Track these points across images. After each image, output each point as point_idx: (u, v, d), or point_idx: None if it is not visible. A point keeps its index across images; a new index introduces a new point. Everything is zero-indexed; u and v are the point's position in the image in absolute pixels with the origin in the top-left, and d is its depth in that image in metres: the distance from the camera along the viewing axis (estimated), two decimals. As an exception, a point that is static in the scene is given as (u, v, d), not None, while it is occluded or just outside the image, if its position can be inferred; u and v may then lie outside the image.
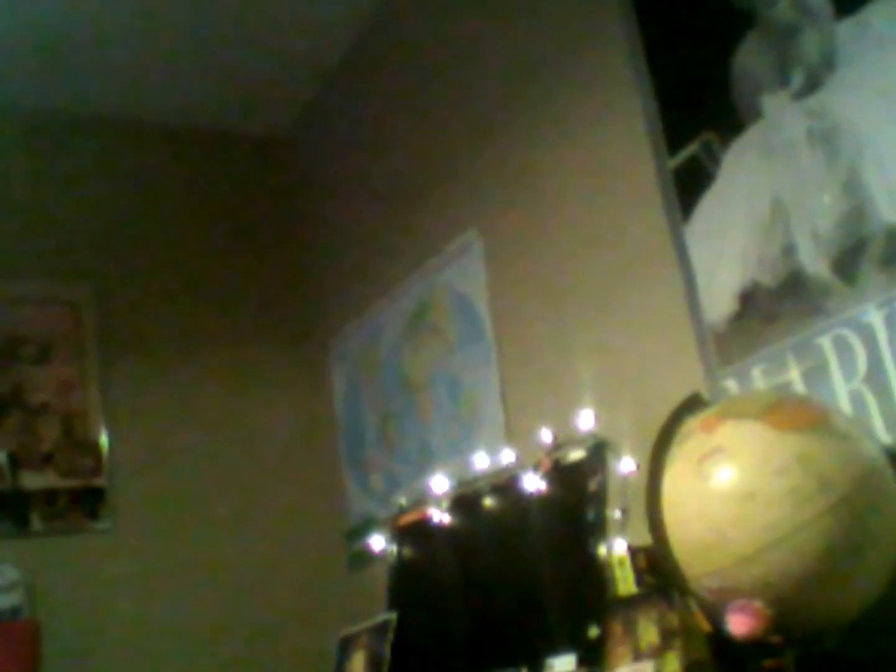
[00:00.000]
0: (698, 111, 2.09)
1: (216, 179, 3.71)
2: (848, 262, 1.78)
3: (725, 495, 1.43)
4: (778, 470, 1.40)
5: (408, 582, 2.27)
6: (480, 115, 2.82)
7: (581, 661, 1.71)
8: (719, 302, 2.03)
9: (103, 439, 3.23)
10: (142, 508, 3.21)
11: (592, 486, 1.83)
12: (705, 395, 1.77)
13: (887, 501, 1.44)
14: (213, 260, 3.61)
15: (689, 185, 2.11)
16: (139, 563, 3.15)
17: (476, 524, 2.14)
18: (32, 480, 3.10)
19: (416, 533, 2.29)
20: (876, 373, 1.73)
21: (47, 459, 3.14)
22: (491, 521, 2.12)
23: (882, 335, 1.73)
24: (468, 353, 2.82)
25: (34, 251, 3.33)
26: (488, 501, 2.12)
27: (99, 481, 3.18)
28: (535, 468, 1.97)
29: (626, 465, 1.78)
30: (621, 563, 1.71)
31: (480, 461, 2.18)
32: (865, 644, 1.45)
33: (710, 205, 2.07)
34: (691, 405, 1.64)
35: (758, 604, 1.40)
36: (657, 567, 1.61)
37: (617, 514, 1.76)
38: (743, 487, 1.42)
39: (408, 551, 2.30)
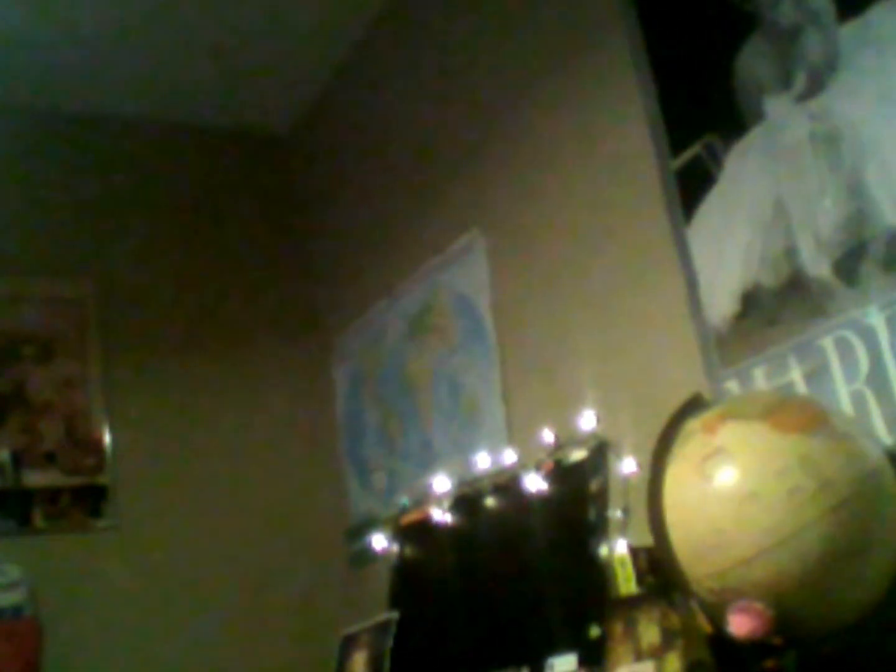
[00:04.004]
0: (701, 113, 2.10)
1: (219, 178, 3.72)
2: (850, 264, 1.79)
3: (727, 496, 1.44)
4: (779, 471, 1.41)
5: (409, 581, 2.28)
6: (483, 115, 2.83)
7: (582, 661, 1.71)
8: (721, 303, 2.04)
9: (106, 437, 3.24)
10: (144, 507, 3.21)
11: (594, 486, 1.84)
12: (707, 395, 1.77)
13: (888, 503, 1.44)
14: (215, 258, 3.61)
15: (691, 187, 2.11)
16: (141, 562, 3.15)
17: (477, 524, 2.14)
18: (35, 479, 3.10)
19: (417, 532, 2.29)
20: (877, 374, 1.74)
21: (50, 458, 3.14)
22: (492, 521, 2.12)
23: (884, 337, 1.73)
24: (470, 353, 2.82)
25: (36, 250, 3.33)
26: (490, 501, 2.12)
27: (101, 479, 3.19)
28: (537, 468, 1.98)
29: (627, 465, 1.79)
30: (622, 563, 1.71)
31: (482, 461, 2.18)
32: (867, 645, 1.45)
33: (712, 206, 2.07)
34: (693, 406, 1.64)
35: (759, 605, 1.40)
36: (658, 567, 1.61)
37: (618, 514, 1.76)
38: (744, 488, 1.42)
39: (409, 551, 2.30)
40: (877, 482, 1.44)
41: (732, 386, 1.99)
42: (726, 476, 1.45)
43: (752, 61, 1.98)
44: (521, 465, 2.04)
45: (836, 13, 1.82)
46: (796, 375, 1.87)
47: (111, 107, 3.51)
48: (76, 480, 3.16)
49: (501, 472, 2.12)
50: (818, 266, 1.85)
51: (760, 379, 1.94)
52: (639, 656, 1.51)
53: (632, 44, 2.27)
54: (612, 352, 2.34)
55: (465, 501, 2.18)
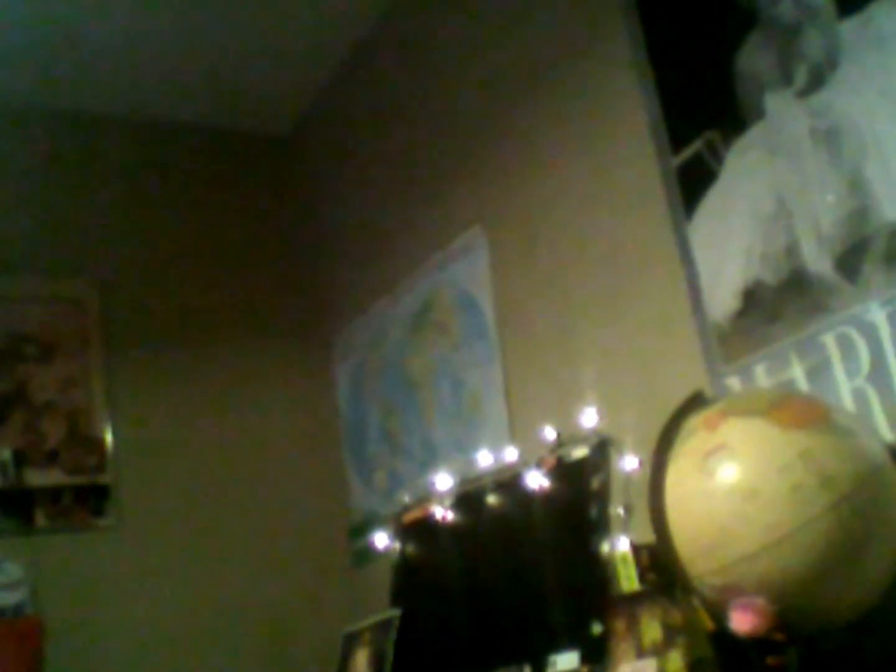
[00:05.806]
0: (701, 110, 2.10)
1: (220, 177, 3.71)
2: (851, 260, 1.79)
3: (728, 493, 1.44)
4: (781, 467, 1.41)
5: (411, 579, 2.28)
6: (484, 113, 2.82)
7: (584, 659, 1.71)
8: (722, 300, 2.04)
9: (107, 436, 3.24)
10: (146, 505, 3.21)
11: (595, 483, 1.84)
12: (708, 392, 1.77)
13: (890, 499, 1.44)
14: (216, 257, 3.61)
15: (692, 184, 2.11)
16: (143, 560, 3.15)
17: (479, 521, 2.14)
18: (37, 478, 3.10)
19: (419, 530, 2.29)
20: (879, 370, 1.74)
21: (52, 457, 3.14)
22: (494, 519, 2.12)
23: (885, 333, 1.73)
24: (472, 351, 2.82)
25: (37, 249, 3.33)
26: (492, 499, 2.12)
27: (103, 478, 3.19)
28: (539, 466, 1.98)
29: (629, 462, 1.79)
30: (624, 560, 1.71)
31: (484, 458, 2.18)
32: (868, 642, 1.45)
33: (713, 203, 2.07)
34: (694, 403, 1.64)
35: (761, 601, 1.40)
36: (660, 564, 1.61)
37: (620, 511, 1.76)
38: (746, 485, 1.42)
39: (411, 549, 2.31)
40: (878, 478, 1.44)
41: (734, 382, 1.99)
42: (728, 473, 1.45)
43: (753, 58, 1.98)
44: (523, 463, 2.04)
45: (836, 9, 1.82)
46: (798, 372, 1.87)
47: (111, 106, 3.50)
48: (78, 480, 3.16)
49: (503, 469, 2.12)
50: (819, 262, 1.85)
51: (762, 375, 1.94)
52: (641, 653, 1.51)
53: (632, 41, 2.27)
54: (613, 349, 2.34)
55: (466, 499, 2.18)
